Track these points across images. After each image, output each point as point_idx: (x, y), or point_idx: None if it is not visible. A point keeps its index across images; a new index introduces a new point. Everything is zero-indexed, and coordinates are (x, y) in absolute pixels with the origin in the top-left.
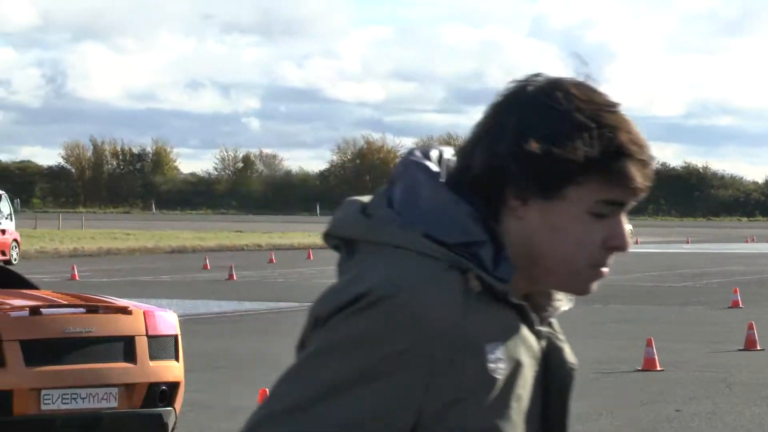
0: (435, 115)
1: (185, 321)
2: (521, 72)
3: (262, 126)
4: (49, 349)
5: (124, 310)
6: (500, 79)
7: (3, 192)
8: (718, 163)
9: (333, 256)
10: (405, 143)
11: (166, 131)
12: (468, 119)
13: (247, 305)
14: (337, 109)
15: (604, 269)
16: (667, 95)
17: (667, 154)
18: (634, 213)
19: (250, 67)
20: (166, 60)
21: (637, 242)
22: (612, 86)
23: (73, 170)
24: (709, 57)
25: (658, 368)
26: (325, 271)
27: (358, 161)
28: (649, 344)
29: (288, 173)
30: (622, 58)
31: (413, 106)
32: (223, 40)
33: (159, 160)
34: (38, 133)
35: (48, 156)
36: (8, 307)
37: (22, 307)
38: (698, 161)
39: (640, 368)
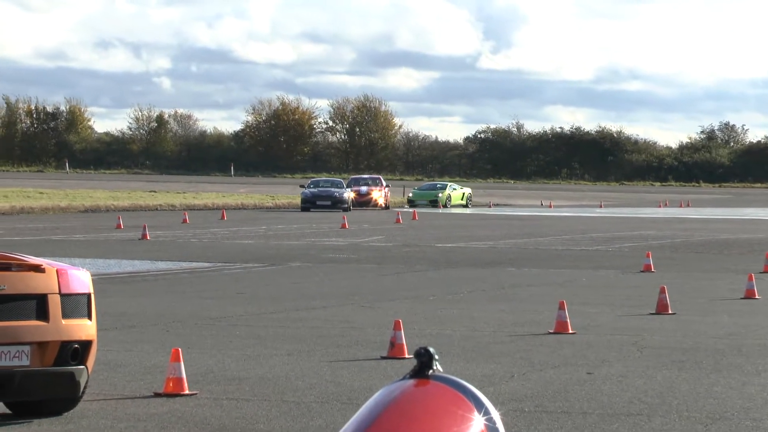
0: (347, 77)
1: (98, 280)
2: (433, 35)
3: (173, 86)
4: None
5: (37, 268)
6: (411, 41)
7: None
8: (629, 128)
9: (245, 217)
10: (320, 104)
11: (77, 90)
12: (380, 81)
13: (161, 265)
14: (248, 70)
15: None
16: (578, 60)
17: (579, 118)
18: (548, 176)
19: (159, 27)
20: (75, 18)
21: (550, 206)
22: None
23: None
24: (619, 22)
25: (570, 331)
26: (237, 232)
27: (273, 122)
28: (561, 307)
29: (202, 134)
30: (533, 22)
31: (324, 68)
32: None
33: (73, 119)
34: None
35: None
36: None
37: None
38: (612, 126)
39: (552, 331)
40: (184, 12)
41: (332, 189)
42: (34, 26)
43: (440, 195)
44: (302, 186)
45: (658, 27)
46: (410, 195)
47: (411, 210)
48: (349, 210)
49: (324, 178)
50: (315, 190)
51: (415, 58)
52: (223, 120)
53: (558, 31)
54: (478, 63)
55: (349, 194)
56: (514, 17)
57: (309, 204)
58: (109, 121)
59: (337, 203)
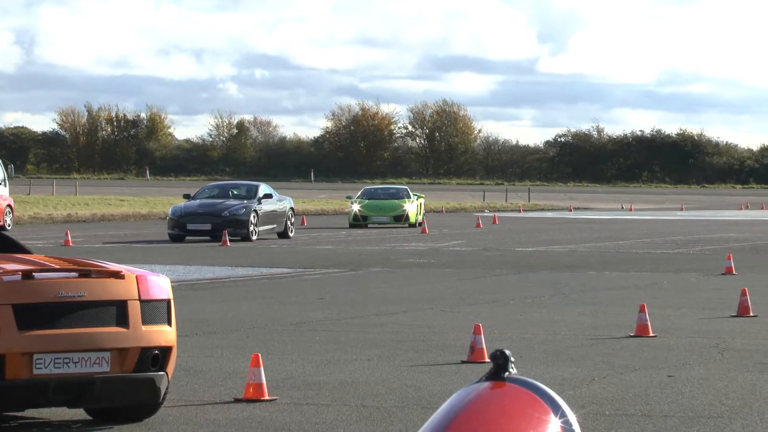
0: (410, 81)
1: (178, 287)
2: (491, 38)
3: (240, 92)
4: (41, 314)
5: (117, 275)
6: (470, 45)
7: None
8: (697, 129)
9: (325, 222)
10: (399, 110)
11: (144, 98)
12: (444, 85)
13: (241, 271)
14: (311, 76)
15: None
16: (639, 62)
17: (646, 121)
18: (628, 180)
19: (218, 33)
20: (134, 26)
21: (631, 209)
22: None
23: (68, 136)
24: (679, 23)
25: (651, 334)
26: (317, 238)
27: (352, 128)
28: (642, 310)
29: (282, 140)
30: (591, 25)
31: (386, 72)
32: (187, 4)
33: (153, 126)
34: (17, 99)
35: (34, 121)
36: (1, 271)
37: (14, 272)
38: (693, 129)
39: (632, 334)
40: (242, 18)
41: (226, 204)
42: (95, 34)
43: (407, 207)
44: (186, 196)
45: (719, 27)
46: (357, 209)
47: (491, 214)
48: (250, 239)
49: (233, 182)
50: (196, 203)
51: (476, 62)
52: (293, 126)
53: (617, 33)
54: (538, 66)
55: (260, 210)
56: (572, 20)
57: (178, 230)
58: (181, 128)
59: (223, 227)
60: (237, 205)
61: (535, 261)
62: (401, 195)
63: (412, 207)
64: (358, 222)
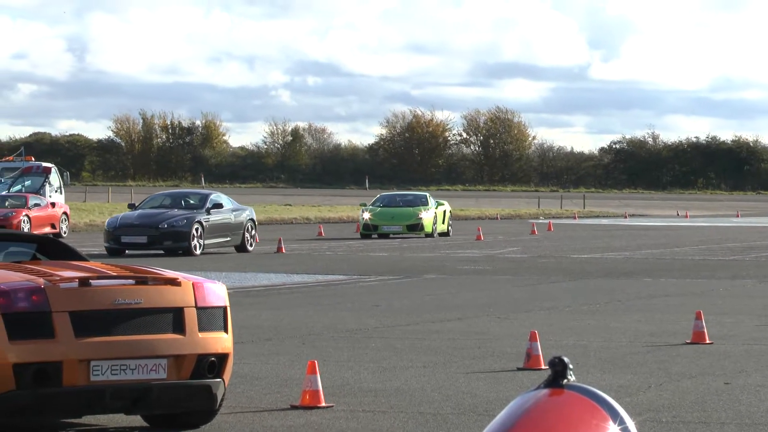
0: (462, 88)
1: (234, 293)
2: (541, 45)
3: (293, 99)
4: (98, 321)
5: (173, 282)
6: (520, 52)
7: (53, 165)
8: (751, 136)
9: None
10: (453, 117)
11: (197, 105)
12: (496, 92)
13: (296, 278)
14: (363, 83)
15: None
16: (691, 68)
17: (699, 127)
18: (683, 186)
19: (269, 40)
20: (185, 33)
21: (686, 216)
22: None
23: (123, 144)
24: (729, 30)
25: (707, 341)
26: (372, 245)
27: (407, 135)
28: (698, 317)
29: (337, 147)
30: (643, 31)
31: (437, 79)
32: (237, 11)
33: (208, 134)
34: (70, 107)
35: (88, 129)
36: (58, 278)
37: (71, 279)
38: (748, 135)
39: (689, 341)
40: (293, 25)
41: (166, 215)
42: (146, 41)
43: (423, 215)
44: (131, 205)
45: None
46: (368, 217)
47: (547, 221)
48: (192, 253)
49: (189, 190)
50: (134, 214)
51: (527, 69)
52: (346, 133)
53: (667, 39)
54: (589, 73)
55: (207, 221)
56: (623, 26)
57: (113, 243)
58: (234, 136)
59: (161, 240)
60: (178, 216)
61: (590, 268)
62: (418, 202)
63: (429, 215)
64: (369, 231)
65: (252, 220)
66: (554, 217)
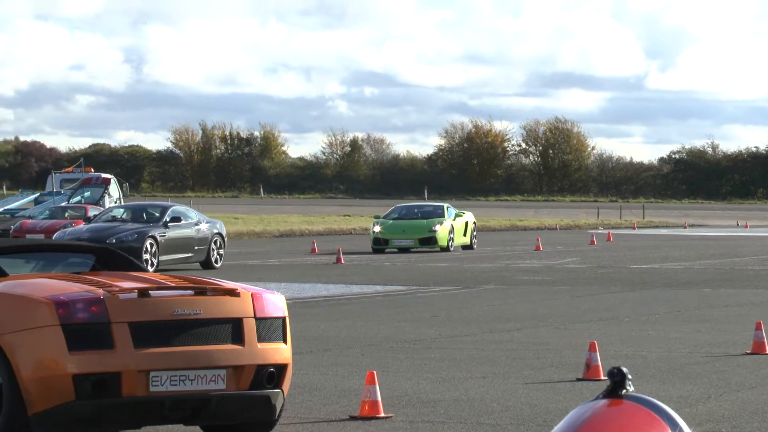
0: (518, 98)
1: (293, 304)
2: (598, 55)
3: (350, 109)
4: (157, 331)
5: (232, 293)
6: (577, 62)
7: (112, 176)
8: None
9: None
10: (511, 127)
11: (254, 115)
12: (554, 102)
13: (355, 289)
14: (420, 93)
15: None
16: (748, 78)
17: (759, 137)
18: (743, 196)
19: (325, 51)
20: (241, 44)
21: (746, 226)
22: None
23: (182, 155)
24: None
25: None
26: (432, 255)
27: (465, 145)
28: (758, 327)
29: (395, 157)
30: (700, 41)
31: (494, 89)
32: (293, 22)
33: (267, 144)
34: (128, 118)
35: (146, 140)
36: (117, 289)
37: (130, 290)
38: None
39: (749, 351)
40: (349, 36)
41: (117, 229)
42: (202, 52)
43: (438, 228)
44: (87, 219)
45: None
46: (378, 230)
47: (606, 231)
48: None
49: (146, 203)
50: (84, 228)
51: (584, 79)
52: (404, 143)
53: (724, 49)
54: (646, 83)
55: (163, 236)
56: (680, 36)
57: None
58: (292, 146)
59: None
60: (129, 230)
61: (649, 278)
62: (435, 214)
63: (445, 228)
64: (380, 246)
65: (220, 234)
66: (613, 228)
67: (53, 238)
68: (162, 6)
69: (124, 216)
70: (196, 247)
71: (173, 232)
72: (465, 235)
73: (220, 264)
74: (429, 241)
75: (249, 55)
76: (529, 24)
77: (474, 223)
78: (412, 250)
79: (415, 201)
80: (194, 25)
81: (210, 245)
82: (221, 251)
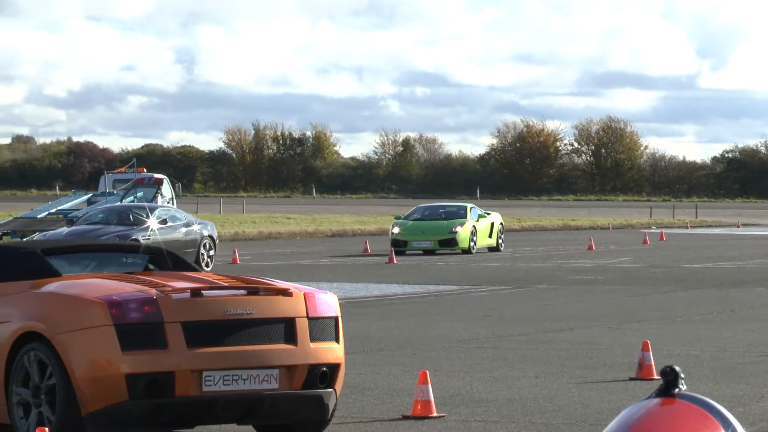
0: (569, 97)
1: (346, 304)
2: (649, 54)
3: (402, 109)
4: (210, 331)
5: (285, 292)
6: (628, 61)
7: (165, 177)
8: None
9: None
10: (563, 127)
11: (306, 116)
12: (605, 102)
13: (408, 288)
14: (471, 93)
15: None
16: None
17: None
18: None
19: (376, 51)
20: (292, 44)
21: None
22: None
23: (234, 155)
24: None
25: None
26: (484, 255)
27: (518, 144)
28: None
29: (448, 157)
30: (752, 40)
31: (545, 89)
32: (344, 22)
33: (319, 145)
34: (180, 118)
35: (198, 140)
36: (170, 289)
37: (183, 290)
38: None
39: None
40: (399, 36)
41: (98, 232)
42: (253, 53)
43: (459, 229)
44: (69, 221)
45: None
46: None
47: (659, 231)
48: None
49: (131, 204)
50: (64, 231)
51: (635, 78)
52: (456, 143)
53: None
54: (698, 82)
55: (142, 239)
56: (731, 35)
57: None
58: (344, 146)
59: None
60: (110, 234)
61: (702, 277)
62: (457, 215)
63: (466, 229)
64: (399, 247)
65: (211, 237)
66: (666, 227)
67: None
68: (213, 6)
69: (109, 218)
70: (183, 250)
71: (158, 235)
72: (490, 236)
73: (210, 267)
74: (449, 243)
75: (300, 56)
76: (579, 23)
77: (501, 224)
78: (438, 252)
79: (467, 200)
80: (245, 25)
81: (199, 248)
82: (211, 253)
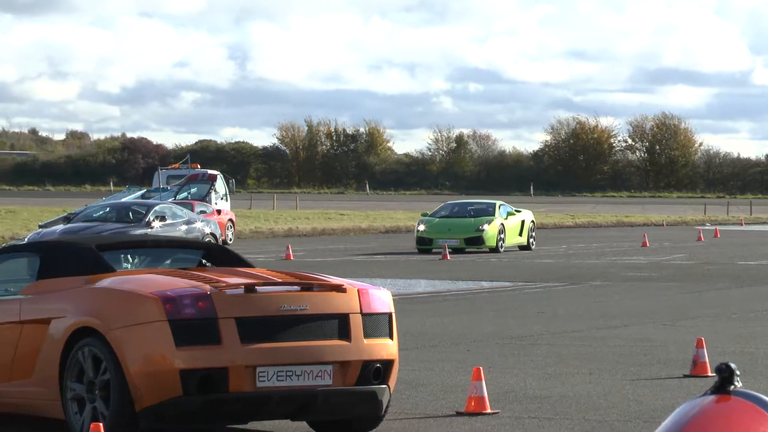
0: (623, 94)
1: (399, 300)
2: (702, 50)
3: (455, 106)
4: (264, 327)
5: (339, 288)
6: (681, 58)
7: (218, 172)
8: None
9: (546, 236)
10: (618, 124)
11: (358, 112)
12: (659, 98)
13: (461, 285)
14: (524, 89)
15: None
16: None
17: None
18: None
19: (428, 47)
20: (344, 40)
21: None
22: None
23: (288, 151)
24: None
25: None
26: (538, 251)
27: (571, 141)
28: None
29: (501, 153)
30: None
31: (598, 85)
32: (396, 18)
33: (372, 141)
34: (233, 114)
35: (251, 136)
36: (224, 285)
37: (237, 285)
38: None
39: None
40: (452, 32)
41: (93, 230)
42: (305, 49)
43: (486, 227)
44: (66, 218)
45: None
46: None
47: (713, 227)
48: None
49: (131, 201)
50: (57, 230)
51: (688, 75)
52: (509, 139)
53: None
54: (752, 78)
55: None
56: None
57: None
58: (398, 143)
59: None
60: (106, 231)
61: (757, 274)
62: (485, 212)
63: (494, 227)
64: (425, 246)
65: (213, 234)
66: (720, 224)
67: (27, 239)
68: (265, 2)
69: (107, 215)
70: None
71: (156, 232)
72: (521, 234)
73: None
74: (476, 241)
75: (352, 52)
76: (632, 20)
77: (532, 221)
78: (467, 250)
79: (520, 196)
80: (297, 21)
81: None
82: None
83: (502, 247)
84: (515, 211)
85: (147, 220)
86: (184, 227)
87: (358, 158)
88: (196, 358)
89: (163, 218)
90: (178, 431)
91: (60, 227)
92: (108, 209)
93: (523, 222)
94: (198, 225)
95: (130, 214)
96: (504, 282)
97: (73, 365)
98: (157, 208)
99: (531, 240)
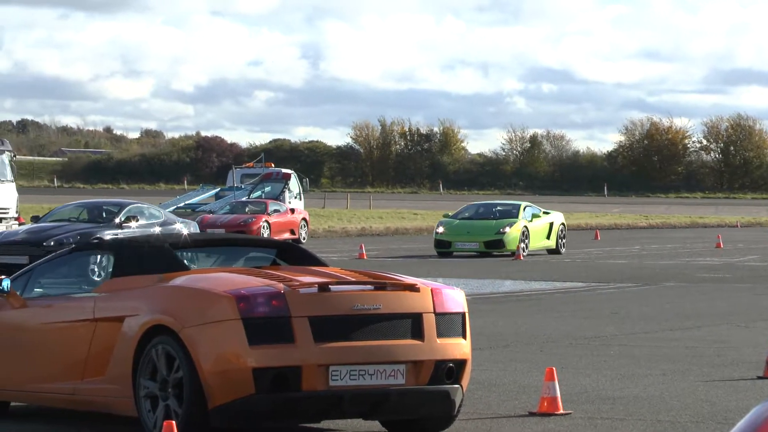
0: (696, 95)
1: (473, 300)
2: None
3: (528, 106)
4: (337, 326)
5: (412, 288)
6: (755, 58)
7: (293, 171)
8: None
9: (619, 236)
10: (692, 125)
11: (432, 111)
12: (733, 99)
13: (534, 285)
14: (597, 90)
15: None
16: None
17: None
18: None
19: (501, 47)
20: (417, 40)
21: None
22: None
23: (362, 150)
24: None
25: None
26: (611, 252)
27: (645, 142)
28: None
29: (575, 154)
30: None
31: (672, 86)
32: (469, 18)
33: (446, 141)
34: (307, 113)
35: (325, 135)
36: (297, 283)
37: (311, 284)
38: None
39: None
40: (525, 32)
41: (61, 229)
42: (378, 48)
43: (507, 230)
44: (34, 218)
45: None
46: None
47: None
48: None
49: (104, 200)
50: (23, 228)
51: (762, 75)
52: (583, 140)
53: None
54: None
55: (105, 238)
56: None
57: None
58: (471, 142)
59: None
60: (71, 232)
61: None
62: (509, 214)
63: (516, 230)
64: (444, 249)
65: None
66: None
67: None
68: (337, 2)
69: (80, 215)
70: None
71: (127, 233)
72: (549, 237)
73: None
74: (496, 245)
75: (425, 51)
76: (706, 20)
77: (562, 224)
78: (494, 254)
79: (594, 197)
80: (370, 21)
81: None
82: None
83: (524, 251)
84: (543, 212)
85: (118, 220)
86: (158, 229)
87: (432, 158)
88: (269, 356)
89: (136, 218)
90: (250, 430)
91: (26, 226)
92: (80, 209)
93: (551, 224)
94: (177, 227)
95: (104, 213)
96: (577, 282)
97: (146, 363)
98: (130, 207)
99: (561, 243)
